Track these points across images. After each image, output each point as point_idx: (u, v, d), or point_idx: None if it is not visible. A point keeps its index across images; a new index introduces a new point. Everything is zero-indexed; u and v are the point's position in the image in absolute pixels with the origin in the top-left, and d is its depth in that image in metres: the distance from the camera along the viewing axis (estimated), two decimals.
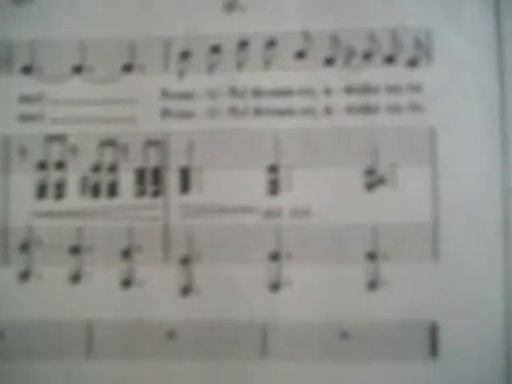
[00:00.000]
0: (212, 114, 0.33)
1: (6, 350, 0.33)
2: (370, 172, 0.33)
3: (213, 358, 0.33)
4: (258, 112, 0.33)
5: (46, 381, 0.33)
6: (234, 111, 0.33)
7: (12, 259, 0.33)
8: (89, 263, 0.33)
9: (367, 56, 0.33)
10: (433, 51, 0.33)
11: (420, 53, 0.33)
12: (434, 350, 0.32)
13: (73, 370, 0.33)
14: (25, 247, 0.33)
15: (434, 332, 0.32)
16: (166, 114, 0.33)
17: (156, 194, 0.33)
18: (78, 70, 0.34)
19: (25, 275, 0.33)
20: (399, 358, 0.32)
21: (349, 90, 0.33)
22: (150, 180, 0.33)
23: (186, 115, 0.33)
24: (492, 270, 0.32)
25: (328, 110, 0.33)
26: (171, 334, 0.33)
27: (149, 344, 0.33)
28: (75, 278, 0.33)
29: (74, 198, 0.33)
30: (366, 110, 0.33)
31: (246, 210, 0.33)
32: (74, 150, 0.34)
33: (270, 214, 0.33)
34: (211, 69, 0.34)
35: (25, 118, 0.34)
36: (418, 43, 0.33)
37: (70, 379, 0.33)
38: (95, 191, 0.33)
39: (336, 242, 0.32)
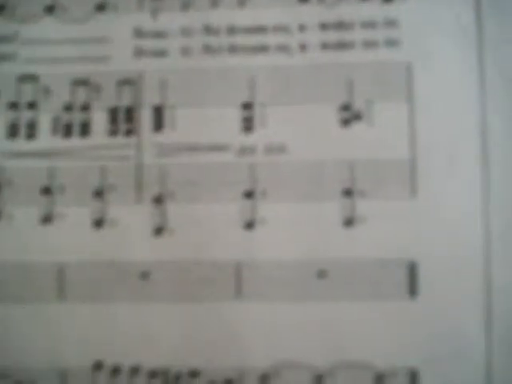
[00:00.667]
0: (186, 52, 0.33)
1: None
2: (345, 108, 0.32)
3: (187, 299, 0.32)
4: (233, 49, 0.33)
5: (16, 324, 0.32)
6: (208, 49, 0.33)
7: None
8: (60, 204, 0.33)
9: None
10: None
11: None
12: (412, 288, 0.31)
13: (45, 313, 0.32)
14: None
15: (412, 270, 0.31)
16: (139, 52, 0.33)
17: (129, 133, 0.33)
18: (50, 9, 0.33)
19: None
20: (377, 297, 0.31)
21: (324, 26, 0.32)
22: (123, 119, 0.33)
23: (160, 54, 0.33)
24: (470, 206, 0.31)
25: (303, 47, 0.32)
26: (144, 275, 0.32)
27: (122, 285, 0.32)
28: (46, 218, 0.33)
29: (46, 138, 0.33)
30: (342, 46, 0.32)
31: (220, 147, 0.32)
32: (46, 90, 0.33)
33: (245, 151, 0.32)
34: (185, 7, 0.33)
35: None
36: None
37: (41, 322, 0.32)
38: (67, 131, 0.33)
39: (311, 179, 0.32)
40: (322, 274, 0.32)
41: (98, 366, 0.32)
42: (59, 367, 0.32)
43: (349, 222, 0.32)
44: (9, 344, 0.32)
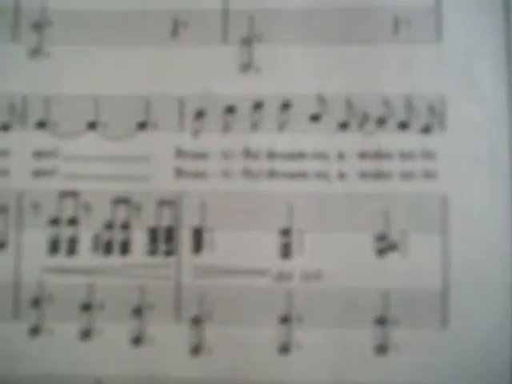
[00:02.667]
0: (226, 174, 0.33)
1: None
2: (381, 238, 0.33)
3: None
4: (272, 175, 0.33)
5: None
6: (247, 173, 0.33)
7: (23, 314, 0.33)
8: (100, 320, 0.33)
9: (381, 121, 0.33)
10: (446, 118, 0.33)
11: (434, 120, 0.33)
12: None
13: None
14: (36, 303, 0.33)
15: None
16: (179, 173, 0.34)
17: (168, 253, 0.33)
18: (92, 126, 0.34)
19: (35, 331, 0.33)
20: None
21: (362, 155, 0.33)
22: (163, 239, 0.33)
23: (200, 175, 0.34)
24: (500, 339, 0.32)
25: (341, 175, 0.33)
26: None
27: None
28: (86, 334, 0.33)
29: (86, 255, 0.34)
30: (379, 175, 0.33)
31: (258, 272, 0.33)
32: (87, 207, 0.34)
33: (282, 276, 0.33)
34: (226, 129, 0.34)
35: (38, 173, 0.34)
36: (431, 110, 0.33)
37: None
38: (107, 248, 0.34)
39: (346, 307, 0.33)
40: None
41: None
42: None
43: (381, 350, 0.32)
44: None
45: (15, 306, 0.33)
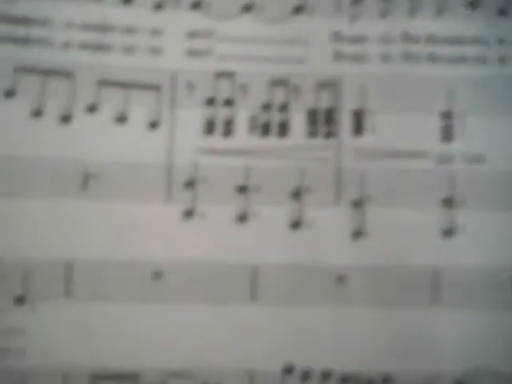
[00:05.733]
0: (385, 58, 0.33)
1: (165, 292, 0.32)
2: None
3: (382, 304, 0.32)
4: (431, 59, 0.33)
5: (209, 324, 0.31)
6: (407, 56, 0.33)
7: (176, 196, 0.32)
8: (256, 203, 0.32)
9: None
10: None
11: None
12: None
13: (236, 314, 0.32)
14: (189, 184, 0.32)
15: None
16: (338, 56, 0.33)
17: (328, 135, 0.33)
18: (247, 8, 0.33)
19: (188, 213, 0.32)
20: None
21: None
22: (322, 121, 0.33)
23: (359, 58, 0.33)
24: None
25: (501, 59, 0.33)
26: (341, 279, 0.32)
27: (316, 289, 0.32)
28: (241, 217, 0.32)
29: (243, 136, 0.33)
30: None
31: (419, 154, 0.33)
32: (244, 88, 0.33)
33: (443, 159, 0.33)
34: (384, 14, 0.33)
35: (193, 53, 0.33)
36: None
37: (232, 323, 0.32)
38: (265, 130, 0.33)
39: (510, 189, 0.32)
40: None
41: (288, 370, 0.32)
42: (247, 369, 0.31)
43: None
44: (197, 344, 0.31)
45: (168, 187, 0.32)
